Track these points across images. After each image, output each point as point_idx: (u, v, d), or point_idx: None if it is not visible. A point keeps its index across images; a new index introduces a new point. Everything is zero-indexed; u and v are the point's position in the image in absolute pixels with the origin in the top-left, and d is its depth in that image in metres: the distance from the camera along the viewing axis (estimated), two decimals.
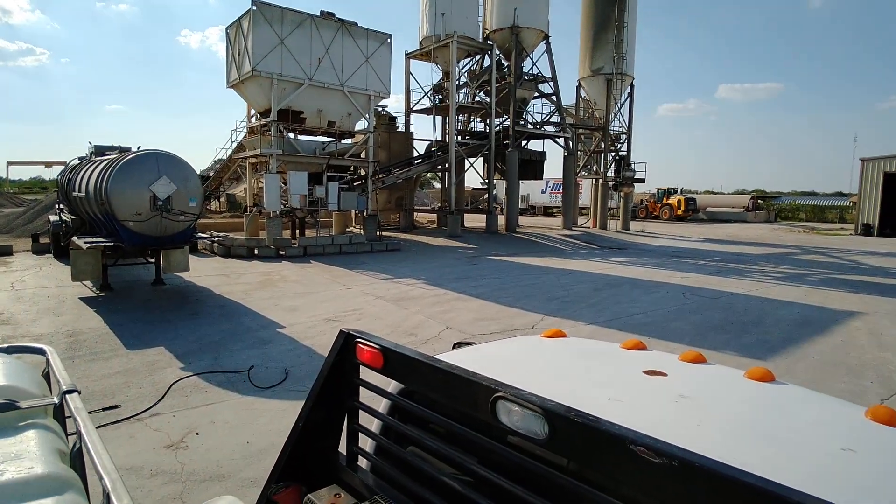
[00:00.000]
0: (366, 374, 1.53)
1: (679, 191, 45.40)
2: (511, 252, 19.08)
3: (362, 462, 1.60)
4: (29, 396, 1.51)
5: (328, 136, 19.69)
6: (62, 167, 17.73)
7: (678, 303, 10.47)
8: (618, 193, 31.56)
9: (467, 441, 1.30)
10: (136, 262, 11.74)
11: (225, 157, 24.79)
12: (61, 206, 15.20)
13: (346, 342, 1.53)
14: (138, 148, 10.66)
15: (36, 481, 1.12)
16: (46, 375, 1.80)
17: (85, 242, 9.27)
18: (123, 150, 11.48)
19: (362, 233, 19.93)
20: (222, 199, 31.25)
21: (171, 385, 5.59)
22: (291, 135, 19.09)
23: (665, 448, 0.86)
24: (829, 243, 25.05)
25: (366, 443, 1.61)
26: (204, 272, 12.95)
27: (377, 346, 1.43)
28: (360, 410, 1.57)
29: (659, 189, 45.28)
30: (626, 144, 31.59)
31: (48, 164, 45.68)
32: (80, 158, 14.75)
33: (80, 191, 11.03)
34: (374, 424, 1.65)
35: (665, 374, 1.62)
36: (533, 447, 1.15)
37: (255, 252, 16.24)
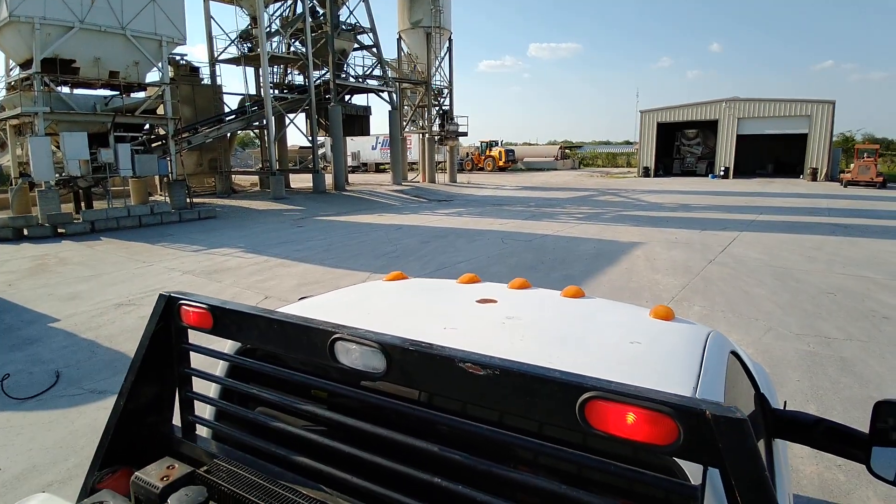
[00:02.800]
0: (196, 337, 1.42)
1: (500, 143, 48.40)
2: (340, 211, 18.55)
3: (203, 431, 1.52)
4: None
5: (111, 90, 16.66)
6: None
7: (497, 248, 11.16)
8: (444, 147, 32.47)
9: (313, 388, 1.32)
10: None
11: None
12: None
13: (168, 306, 1.41)
14: None
15: None
16: None
17: None
18: None
19: (168, 201, 17.62)
20: None
21: None
22: (64, 89, 15.76)
23: (487, 361, 0.98)
24: (619, 185, 28.99)
25: (205, 410, 1.51)
26: None
27: (204, 306, 1.34)
28: (194, 377, 1.46)
29: (482, 142, 47.76)
30: (448, 99, 32.41)
31: None
32: None
33: None
34: (211, 389, 1.57)
35: (495, 301, 1.81)
36: (379, 385, 1.22)
37: (25, 233, 13.37)
